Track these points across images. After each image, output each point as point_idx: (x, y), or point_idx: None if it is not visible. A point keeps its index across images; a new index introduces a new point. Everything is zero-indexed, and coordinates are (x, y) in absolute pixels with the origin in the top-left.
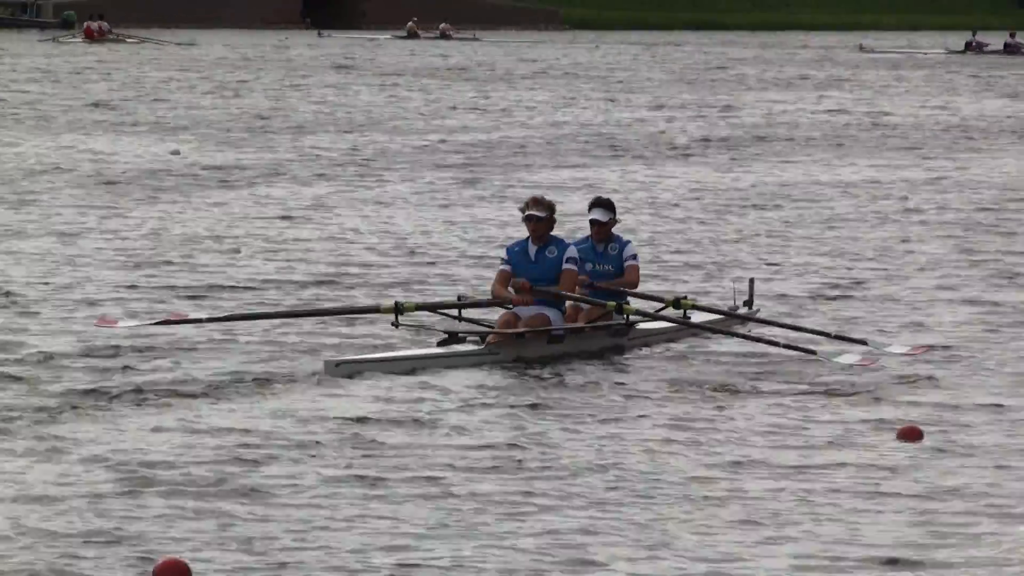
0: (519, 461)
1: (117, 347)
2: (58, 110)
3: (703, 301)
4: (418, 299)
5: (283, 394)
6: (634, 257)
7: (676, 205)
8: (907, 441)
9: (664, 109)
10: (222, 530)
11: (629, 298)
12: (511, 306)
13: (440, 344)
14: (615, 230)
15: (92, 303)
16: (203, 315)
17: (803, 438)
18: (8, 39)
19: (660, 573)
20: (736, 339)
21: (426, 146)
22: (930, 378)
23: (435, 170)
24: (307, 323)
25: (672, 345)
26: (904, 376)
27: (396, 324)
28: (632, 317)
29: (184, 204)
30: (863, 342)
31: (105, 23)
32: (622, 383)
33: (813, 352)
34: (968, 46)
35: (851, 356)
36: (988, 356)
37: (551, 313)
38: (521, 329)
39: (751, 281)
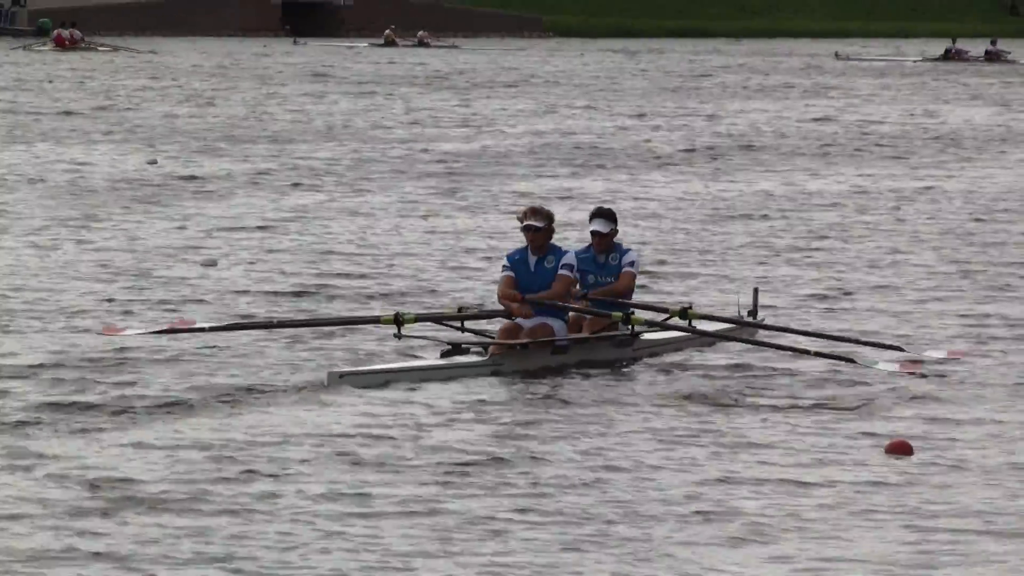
0: (521, 475)
1: (100, 358)
2: (29, 119)
3: (707, 312)
4: (416, 310)
5: (286, 405)
6: (632, 264)
7: (664, 215)
8: (896, 456)
9: (647, 117)
10: (211, 547)
11: (636, 309)
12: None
13: (443, 355)
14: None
15: (70, 314)
16: (206, 324)
17: (794, 452)
18: None
19: None
20: (742, 350)
21: (407, 155)
22: (922, 394)
23: (416, 180)
24: (307, 334)
25: (677, 356)
26: (893, 390)
27: (398, 336)
28: (638, 327)
29: (161, 214)
30: (899, 348)
31: (77, 31)
32: (626, 395)
33: (851, 360)
34: (948, 53)
35: (891, 363)
36: (981, 369)
37: (554, 323)
38: (524, 340)
39: (755, 291)
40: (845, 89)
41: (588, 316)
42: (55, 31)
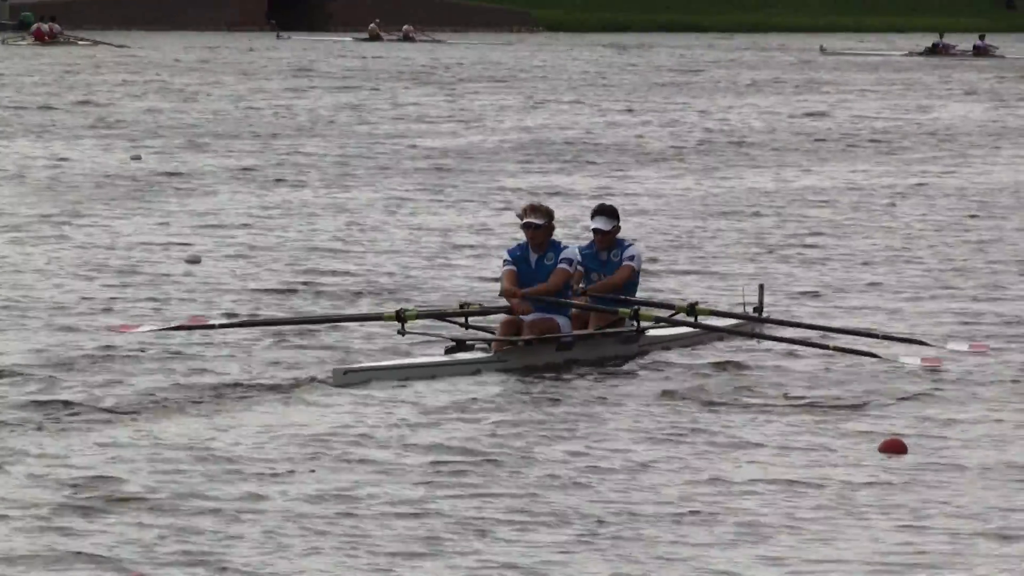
0: (525, 472)
1: (83, 356)
2: (8, 113)
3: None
4: (412, 307)
5: (290, 402)
6: (632, 258)
7: (656, 212)
8: (890, 455)
9: (637, 113)
10: (211, 545)
11: (643, 305)
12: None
13: (448, 352)
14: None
15: (52, 311)
16: (216, 321)
17: (787, 451)
18: None
19: None
20: (746, 347)
21: (393, 152)
22: (916, 392)
23: (402, 176)
24: (307, 332)
25: (683, 352)
26: (888, 388)
27: (402, 332)
28: (644, 323)
29: (144, 210)
30: (920, 342)
31: (56, 25)
32: (630, 393)
33: (873, 355)
34: (935, 48)
35: (914, 357)
36: (974, 367)
37: (559, 319)
38: (528, 337)
39: (760, 287)
40: (837, 84)
41: (593, 312)
42: (35, 25)
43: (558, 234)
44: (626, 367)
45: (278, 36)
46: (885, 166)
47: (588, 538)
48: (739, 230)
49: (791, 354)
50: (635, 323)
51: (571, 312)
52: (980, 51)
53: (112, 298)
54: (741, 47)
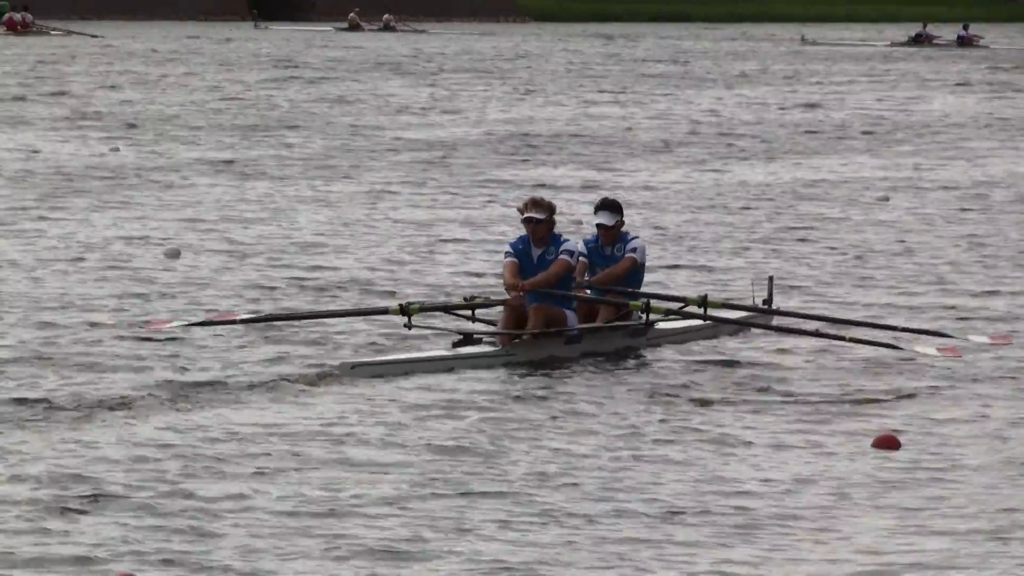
0: (531, 470)
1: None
2: None
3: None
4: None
5: (300, 395)
6: (634, 251)
7: (650, 204)
8: (883, 450)
9: (625, 104)
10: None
11: (653, 298)
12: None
13: (456, 345)
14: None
15: (31, 307)
16: (238, 316)
17: (781, 447)
18: None
19: None
20: (755, 340)
21: (375, 144)
22: (910, 388)
23: (388, 169)
24: (307, 328)
25: (691, 346)
26: (881, 383)
27: (409, 326)
28: (653, 316)
29: (123, 203)
30: (941, 334)
31: (29, 15)
32: (636, 387)
33: (893, 346)
34: (918, 37)
35: (934, 349)
36: (969, 363)
37: (565, 312)
38: (536, 330)
39: (770, 279)
40: (820, 74)
41: (601, 305)
42: (7, 15)
43: (558, 229)
44: (633, 361)
45: (255, 26)
46: (878, 159)
47: (595, 534)
48: (742, 223)
49: (793, 349)
50: (644, 316)
51: (575, 305)
52: (964, 41)
53: (91, 292)
54: (726, 37)
